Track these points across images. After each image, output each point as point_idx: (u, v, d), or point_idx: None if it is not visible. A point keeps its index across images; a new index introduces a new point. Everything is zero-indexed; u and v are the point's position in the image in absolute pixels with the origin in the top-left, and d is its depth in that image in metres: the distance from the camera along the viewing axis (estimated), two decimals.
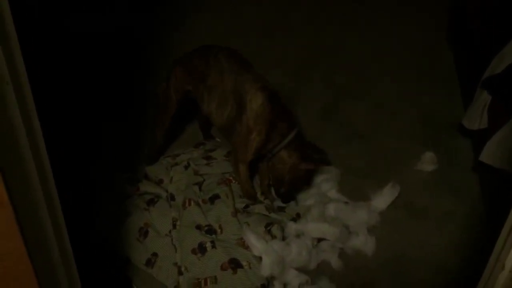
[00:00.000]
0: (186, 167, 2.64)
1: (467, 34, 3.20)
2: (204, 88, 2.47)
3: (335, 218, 2.46)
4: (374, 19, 4.22)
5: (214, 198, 2.48)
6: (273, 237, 2.31)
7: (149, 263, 2.32)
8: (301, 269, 2.30)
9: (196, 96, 2.56)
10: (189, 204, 2.43)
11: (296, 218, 2.48)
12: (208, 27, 3.99)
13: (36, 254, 1.08)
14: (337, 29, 4.10)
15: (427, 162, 2.87)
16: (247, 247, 2.28)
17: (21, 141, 1.00)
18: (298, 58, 3.77)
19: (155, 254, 2.33)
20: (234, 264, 2.23)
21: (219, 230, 2.37)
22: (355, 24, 4.17)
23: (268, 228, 2.32)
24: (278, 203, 2.58)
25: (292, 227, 2.38)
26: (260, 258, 2.24)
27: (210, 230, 2.37)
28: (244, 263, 2.24)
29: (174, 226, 2.40)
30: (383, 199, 2.61)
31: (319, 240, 2.40)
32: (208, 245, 2.29)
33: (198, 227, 2.37)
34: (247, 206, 2.48)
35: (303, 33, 4.05)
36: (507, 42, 2.56)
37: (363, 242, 2.43)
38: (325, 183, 2.64)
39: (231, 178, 2.59)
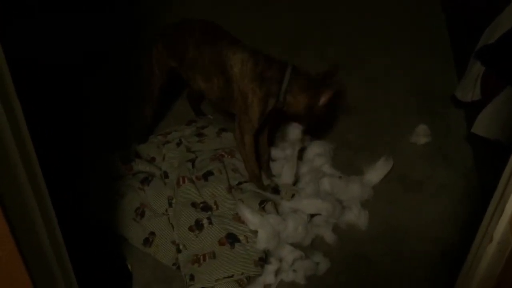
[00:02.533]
0: (178, 144, 2.64)
1: (461, 3, 3.16)
2: (188, 65, 2.41)
3: (328, 193, 2.47)
4: None
5: (207, 175, 2.48)
6: (268, 213, 2.32)
7: (147, 242, 2.34)
8: (295, 245, 2.31)
9: (181, 73, 2.51)
10: (183, 182, 2.43)
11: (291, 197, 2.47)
12: (197, 4, 3.93)
13: (23, 239, 1.07)
14: (327, 2, 4.05)
15: (421, 135, 2.86)
16: (243, 222, 2.29)
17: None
18: (289, 33, 3.73)
19: (152, 233, 2.35)
20: (232, 239, 2.25)
21: (214, 207, 2.38)
22: None
23: (262, 205, 2.33)
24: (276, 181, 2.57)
25: (285, 205, 2.39)
26: (256, 232, 2.25)
27: (206, 207, 2.37)
28: (241, 238, 2.26)
29: (170, 204, 2.40)
30: (376, 173, 2.61)
31: (313, 215, 2.40)
32: (205, 221, 2.30)
33: (194, 204, 2.37)
34: (240, 183, 2.47)
35: (293, 8, 4.00)
36: (500, 12, 2.53)
37: (357, 216, 2.44)
38: (318, 158, 2.63)
39: (223, 153, 2.58)
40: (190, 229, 2.29)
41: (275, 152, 2.66)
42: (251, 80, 2.23)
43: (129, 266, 2.28)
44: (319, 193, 2.46)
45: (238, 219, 2.30)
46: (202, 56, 2.34)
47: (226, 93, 2.33)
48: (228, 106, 2.41)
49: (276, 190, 2.50)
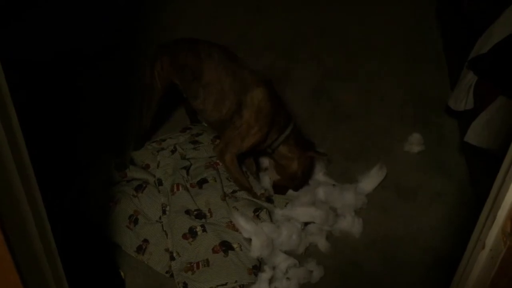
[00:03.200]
0: (173, 152, 2.64)
1: (456, 13, 3.19)
2: (199, 86, 2.45)
3: (323, 201, 2.47)
4: None
5: (202, 182, 2.48)
6: (262, 221, 2.32)
7: (140, 249, 2.33)
8: (289, 253, 2.31)
9: (185, 91, 2.55)
10: (178, 189, 2.43)
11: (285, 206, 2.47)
12: (196, 8, 3.95)
13: (16, 245, 1.07)
14: (325, 10, 4.08)
15: (414, 143, 2.88)
16: (237, 230, 2.29)
17: None
18: (287, 39, 3.75)
19: (146, 241, 2.34)
20: (226, 247, 2.25)
21: (208, 214, 2.38)
22: (343, 4, 4.15)
23: (257, 213, 2.33)
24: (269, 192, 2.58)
25: (279, 213, 2.39)
26: (250, 240, 2.25)
27: (200, 215, 2.37)
28: (235, 245, 2.26)
29: (164, 212, 2.40)
30: (370, 181, 2.62)
31: (307, 223, 2.40)
32: (199, 229, 2.30)
33: (188, 212, 2.37)
34: (234, 191, 2.48)
35: (291, 14, 4.03)
36: (493, 23, 2.56)
37: (350, 224, 2.44)
38: None
39: (218, 162, 2.58)
40: (184, 236, 2.29)
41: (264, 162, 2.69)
42: (264, 116, 2.34)
43: (122, 273, 2.28)
44: (313, 201, 2.46)
45: (232, 226, 2.30)
46: (221, 81, 2.39)
47: (229, 118, 2.40)
48: (221, 128, 2.48)
49: (269, 199, 2.50)
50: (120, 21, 3.77)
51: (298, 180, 2.50)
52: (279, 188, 2.55)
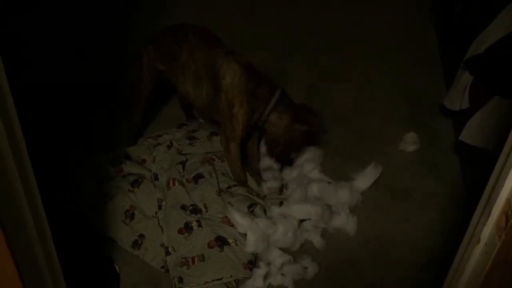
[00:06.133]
0: (169, 147, 2.64)
1: (450, 13, 3.21)
2: (177, 69, 2.44)
3: (317, 198, 2.48)
4: None
5: (198, 178, 2.48)
6: (257, 216, 2.32)
7: (136, 244, 2.33)
8: (284, 249, 2.32)
9: (170, 77, 2.54)
10: (173, 184, 2.44)
11: (280, 205, 2.47)
12: (190, 8, 3.95)
13: (13, 238, 1.07)
14: (319, 10, 4.10)
15: (409, 143, 2.89)
16: (232, 225, 2.30)
17: None
18: (281, 40, 3.76)
19: (141, 236, 2.35)
20: (221, 242, 2.25)
21: (204, 210, 2.39)
22: (337, 4, 4.16)
23: (251, 209, 2.34)
24: (267, 184, 2.58)
25: (275, 210, 2.40)
26: (246, 235, 2.26)
27: (195, 210, 2.38)
28: (230, 241, 2.26)
29: (160, 207, 2.41)
30: (365, 179, 2.63)
31: (302, 220, 2.41)
32: (194, 224, 2.30)
33: (183, 207, 2.38)
34: (229, 187, 2.48)
35: (285, 15, 4.04)
36: (490, 22, 2.57)
37: (345, 222, 2.45)
38: (308, 164, 2.65)
39: (214, 157, 2.59)
40: (180, 231, 2.30)
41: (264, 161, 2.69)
42: (241, 92, 2.28)
43: (117, 268, 2.28)
44: (307, 199, 2.47)
45: (228, 222, 2.31)
46: (195, 61, 2.36)
47: (212, 100, 2.36)
48: (213, 113, 2.45)
49: (265, 198, 2.51)
50: (120, 21, 3.77)
51: (279, 148, 2.43)
52: (277, 156, 2.50)
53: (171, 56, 2.45)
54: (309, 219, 2.41)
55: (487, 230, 1.21)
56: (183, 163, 2.57)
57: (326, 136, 2.94)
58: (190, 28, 2.47)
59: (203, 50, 2.35)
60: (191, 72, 2.39)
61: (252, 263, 2.24)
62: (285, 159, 2.51)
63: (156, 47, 2.52)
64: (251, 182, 2.56)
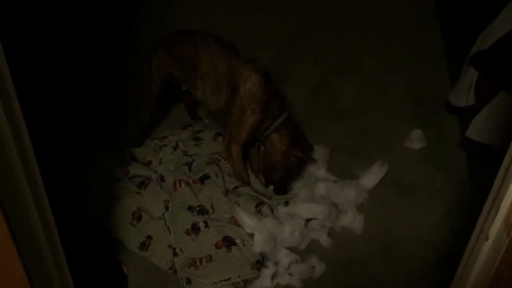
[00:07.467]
0: (175, 148, 2.64)
1: (455, 9, 3.19)
2: (197, 76, 2.47)
3: (324, 197, 2.48)
4: None
5: (204, 178, 2.48)
6: (265, 216, 2.32)
7: (143, 246, 2.34)
8: (291, 249, 2.32)
9: (184, 83, 2.57)
10: (180, 185, 2.44)
11: (286, 204, 2.46)
12: (196, 7, 3.95)
13: (21, 240, 1.07)
14: (324, 7, 4.09)
15: (415, 140, 2.88)
16: (239, 225, 2.30)
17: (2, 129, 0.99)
18: (286, 37, 3.76)
19: (149, 237, 2.35)
20: (228, 242, 2.25)
21: (211, 210, 2.39)
22: (342, 2, 4.15)
23: (259, 208, 2.34)
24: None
25: (282, 210, 2.40)
26: (253, 235, 2.26)
27: (202, 211, 2.38)
28: (238, 241, 2.26)
29: (167, 208, 2.41)
30: (371, 177, 2.62)
31: (308, 219, 2.41)
32: (202, 225, 2.31)
33: (190, 208, 2.38)
34: (236, 187, 2.48)
35: (291, 12, 4.03)
36: (495, 16, 2.56)
37: (352, 220, 2.45)
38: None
39: (220, 158, 2.59)
40: (187, 232, 2.30)
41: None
42: (256, 101, 2.35)
43: (125, 269, 2.28)
44: (313, 198, 2.47)
45: (235, 222, 2.31)
46: (217, 70, 2.42)
47: (227, 106, 2.42)
48: (225, 118, 2.49)
49: (270, 197, 2.51)
50: (120, 21, 3.77)
51: (276, 175, 2.47)
52: (277, 185, 2.53)
53: (187, 63, 2.49)
54: (316, 218, 2.41)
55: (496, 227, 1.20)
56: (189, 164, 2.57)
57: (332, 133, 2.94)
58: (210, 36, 2.51)
59: (224, 60, 2.42)
60: (211, 80, 2.45)
61: (260, 263, 2.24)
62: (283, 188, 2.52)
63: (169, 52, 2.54)
64: (256, 182, 2.56)
